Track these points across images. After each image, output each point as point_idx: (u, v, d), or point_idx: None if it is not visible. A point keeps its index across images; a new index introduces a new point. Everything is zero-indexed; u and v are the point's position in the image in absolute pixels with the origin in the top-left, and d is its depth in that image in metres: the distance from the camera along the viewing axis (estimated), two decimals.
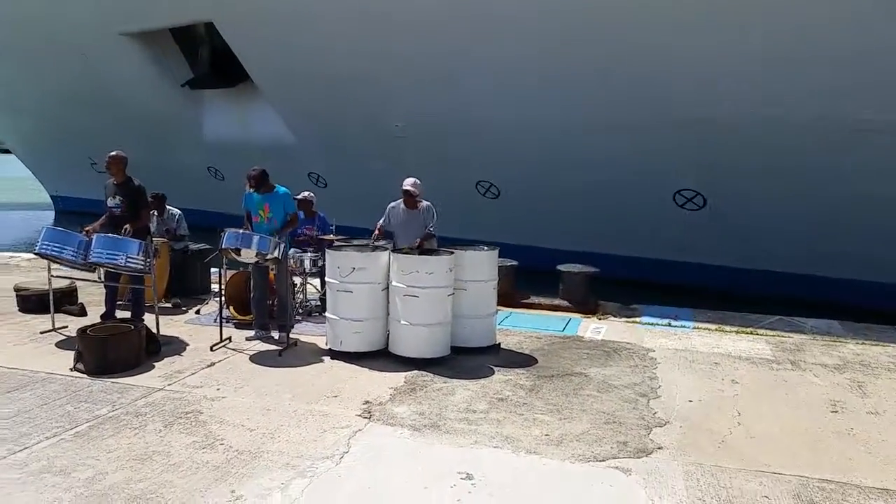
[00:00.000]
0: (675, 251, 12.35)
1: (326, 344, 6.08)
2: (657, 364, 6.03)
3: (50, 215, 23.53)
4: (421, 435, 4.38)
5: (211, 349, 6.01)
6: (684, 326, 7.31)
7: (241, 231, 6.00)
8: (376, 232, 6.37)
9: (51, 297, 6.50)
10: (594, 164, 11.97)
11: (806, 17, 9.02)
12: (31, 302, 7.04)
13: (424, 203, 6.41)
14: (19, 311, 7.11)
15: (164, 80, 16.99)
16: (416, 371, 5.59)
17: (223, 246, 5.89)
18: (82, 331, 5.47)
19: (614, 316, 7.67)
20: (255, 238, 5.89)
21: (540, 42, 10.91)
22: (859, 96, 9.35)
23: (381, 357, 5.89)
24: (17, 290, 7.21)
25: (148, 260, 6.02)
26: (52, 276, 6.48)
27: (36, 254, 6.19)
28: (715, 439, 4.45)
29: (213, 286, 8.24)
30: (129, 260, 5.92)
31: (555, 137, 12.02)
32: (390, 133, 13.93)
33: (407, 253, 5.95)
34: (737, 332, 7.17)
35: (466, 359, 5.95)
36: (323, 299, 7.35)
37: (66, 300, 7.06)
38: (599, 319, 7.52)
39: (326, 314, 6.01)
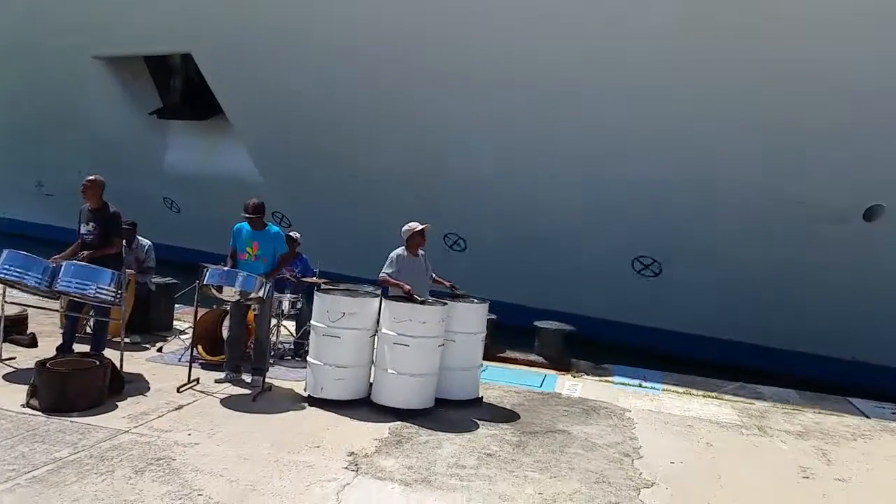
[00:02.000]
0: (638, 315, 12.54)
1: (305, 390, 5.83)
2: (634, 424, 6.02)
3: None
4: (413, 490, 4.19)
5: (178, 390, 5.67)
6: (654, 388, 7.36)
7: (225, 268, 5.77)
8: (401, 284, 6.00)
9: (0, 326, 6.04)
10: (558, 220, 12.13)
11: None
12: None
13: (420, 250, 6.31)
14: None
15: (133, 106, 16.61)
16: (399, 422, 5.40)
17: (205, 283, 5.63)
18: (41, 363, 5.09)
19: (588, 374, 7.66)
20: (241, 276, 5.66)
21: (516, 95, 11.07)
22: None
23: (362, 406, 5.67)
24: None
25: (119, 292, 5.70)
26: (4, 302, 6.05)
27: None
28: (702, 501, 4.45)
29: (175, 323, 7.88)
30: (99, 290, 5.59)
31: (522, 191, 12.14)
32: (360, 178, 13.84)
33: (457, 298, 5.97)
34: (703, 396, 7.27)
35: (449, 411, 5.79)
36: (298, 343, 7.11)
37: (16, 329, 6.60)
38: (574, 377, 7.49)
39: (309, 359, 5.78)
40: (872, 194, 9.78)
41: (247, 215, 6.01)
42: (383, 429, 5.23)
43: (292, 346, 7.21)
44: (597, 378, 7.54)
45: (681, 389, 7.37)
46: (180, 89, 16.47)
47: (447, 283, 6.34)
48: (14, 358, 6.08)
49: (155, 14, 13.89)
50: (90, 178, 6.13)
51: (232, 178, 15.62)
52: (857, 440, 6.17)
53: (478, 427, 5.50)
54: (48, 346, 6.47)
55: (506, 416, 5.90)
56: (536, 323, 7.94)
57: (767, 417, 6.68)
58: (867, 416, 7.00)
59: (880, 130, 9.16)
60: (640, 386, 7.35)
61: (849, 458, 5.63)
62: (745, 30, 9.06)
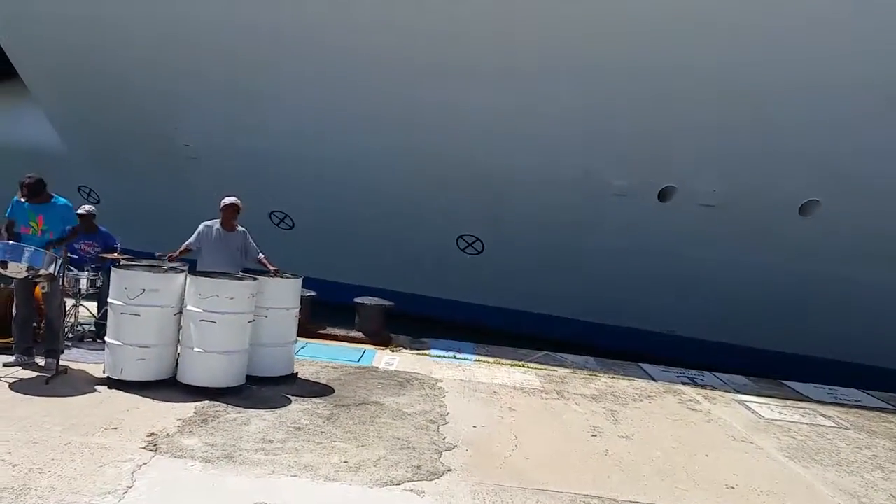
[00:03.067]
0: (458, 291, 13.14)
1: (104, 372, 5.57)
2: (445, 393, 6.41)
3: None
4: (214, 467, 4.21)
5: None
6: (467, 359, 7.84)
7: (10, 242, 5.34)
8: (178, 252, 5.96)
9: None
10: (384, 200, 12.36)
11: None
12: None
13: (241, 227, 6.22)
14: None
15: None
16: (207, 401, 5.34)
17: None
18: None
19: (406, 348, 7.99)
20: (28, 252, 5.27)
21: (336, 69, 11.04)
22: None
23: (167, 387, 5.53)
24: None
25: None
26: None
27: None
28: (497, 461, 4.85)
29: None
30: None
31: (346, 170, 12.20)
32: (179, 152, 13.18)
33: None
34: (511, 365, 7.87)
35: (262, 388, 5.82)
36: (99, 324, 6.74)
37: None
38: (392, 351, 7.78)
39: (106, 339, 5.53)
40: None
41: (25, 199, 5.59)
42: (188, 408, 5.16)
43: (93, 328, 6.81)
44: (414, 351, 7.88)
45: (491, 359, 7.92)
46: None
47: (272, 268, 6.31)
48: None
49: None
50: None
51: (32, 149, 14.18)
52: (643, 401, 6.97)
53: (290, 402, 5.59)
54: None
55: (320, 390, 6.04)
56: (356, 299, 8.11)
57: (566, 382, 7.36)
58: (654, 380, 7.92)
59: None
60: (455, 357, 7.79)
61: (634, 417, 6.34)
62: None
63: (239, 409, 5.29)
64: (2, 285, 6.15)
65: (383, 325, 8.07)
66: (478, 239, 12.70)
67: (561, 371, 7.88)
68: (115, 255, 6.66)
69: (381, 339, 7.98)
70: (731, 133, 9.92)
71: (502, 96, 10.41)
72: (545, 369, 7.90)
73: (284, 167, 12.52)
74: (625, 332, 12.11)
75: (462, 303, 13.11)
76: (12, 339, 5.87)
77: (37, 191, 5.58)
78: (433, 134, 11.14)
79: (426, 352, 7.95)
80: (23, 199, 5.61)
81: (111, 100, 12.82)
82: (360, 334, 7.96)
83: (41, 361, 5.75)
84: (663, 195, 10.96)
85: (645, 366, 8.52)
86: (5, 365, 5.65)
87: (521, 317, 12.52)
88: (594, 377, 7.78)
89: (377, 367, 7.05)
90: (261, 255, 6.45)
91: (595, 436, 5.70)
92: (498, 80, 10.31)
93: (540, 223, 11.79)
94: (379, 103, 11.08)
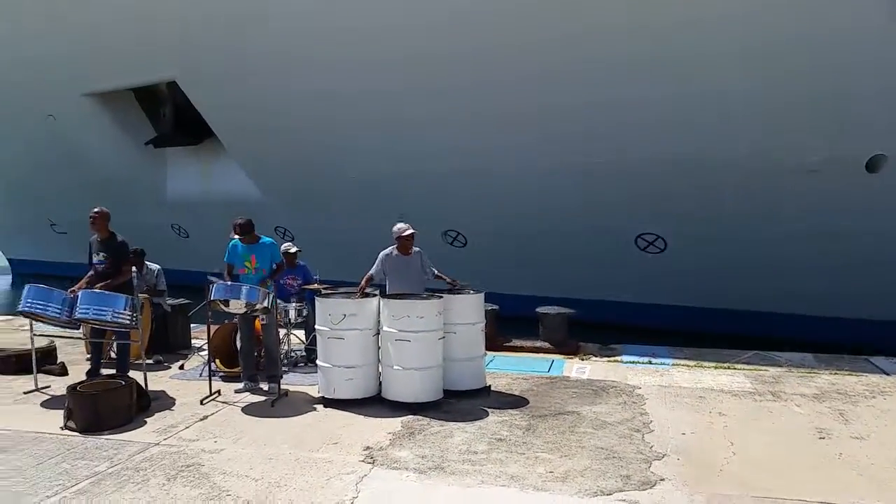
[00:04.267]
0: (642, 294, 12.69)
1: (319, 392, 6.07)
2: (645, 400, 6.18)
3: (7, 279, 22.85)
4: (427, 477, 4.40)
5: (201, 402, 5.94)
6: (664, 364, 7.51)
7: (229, 283, 6.03)
8: (363, 282, 6.39)
9: (33, 357, 6.35)
10: (557, 210, 12.30)
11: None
12: (10, 363, 6.86)
13: (415, 248, 6.55)
14: None
15: (127, 139, 16.99)
16: (410, 416, 5.62)
17: (212, 297, 5.89)
18: (72, 388, 5.37)
19: (596, 356, 7.84)
20: (245, 289, 5.91)
21: (501, 88, 11.24)
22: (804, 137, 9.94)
23: (374, 403, 5.90)
24: None
25: (135, 315, 5.97)
26: (33, 334, 6.35)
27: (20, 312, 6.07)
28: (713, 469, 4.57)
29: (193, 341, 8.15)
30: (115, 315, 5.88)
31: (515, 183, 12.31)
32: (354, 184, 14.07)
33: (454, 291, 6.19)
34: (715, 368, 7.38)
35: (459, 402, 6.01)
36: (309, 349, 7.36)
37: (46, 360, 6.90)
38: (582, 360, 7.67)
39: (318, 362, 6.03)
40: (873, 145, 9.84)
41: (238, 236, 6.27)
42: (395, 423, 5.45)
43: (304, 353, 7.45)
44: (605, 359, 7.72)
45: (691, 363, 7.51)
46: (172, 117, 16.76)
47: (447, 279, 6.55)
48: (49, 386, 6.39)
49: (136, 45, 14.15)
50: (96, 210, 6.43)
51: (233, 197, 15.89)
52: (876, 398, 6.24)
53: (487, 414, 5.70)
54: (78, 373, 6.79)
55: (514, 402, 6.10)
56: (539, 309, 8.11)
57: (782, 382, 6.77)
58: (886, 374, 7.05)
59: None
60: (650, 363, 7.51)
61: (867, 416, 5.68)
62: None
63: (441, 422, 5.49)
64: (226, 321, 6.93)
65: (568, 334, 8.00)
66: (659, 237, 12.21)
67: (774, 370, 7.26)
68: (316, 285, 7.24)
69: (568, 348, 7.91)
70: None
71: (682, 86, 10.02)
72: (755, 369, 7.33)
73: (453, 187, 12.91)
74: (847, 324, 10.96)
75: (646, 305, 12.65)
76: (239, 368, 6.58)
77: (248, 229, 6.24)
78: (609, 129, 10.92)
79: (618, 358, 7.75)
80: (235, 237, 6.28)
81: (293, 145, 14.04)
82: (546, 344, 7.95)
83: (265, 386, 6.37)
84: (872, 165, 9.87)
85: (874, 359, 7.61)
86: (236, 391, 6.34)
87: (716, 315, 11.80)
88: (813, 375, 7.09)
89: (569, 377, 6.99)
90: (434, 270, 6.65)
91: (822, 438, 5.19)
92: (680, 69, 9.95)
93: (726, 212, 11.11)
94: (546, 105, 11.06)
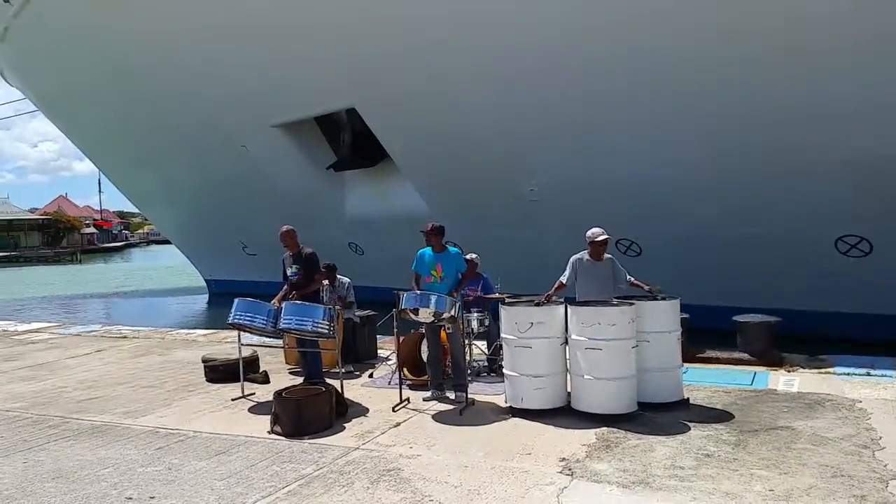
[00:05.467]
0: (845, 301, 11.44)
1: (506, 401, 6.00)
2: (869, 415, 5.50)
3: (204, 298, 25.38)
4: (632, 492, 4.15)
5: (393, 409, 6.10)
6: (886, 375, 6.65)
7: (418, 292, 6.16)
8: (553, 289, 6.25)
9: (241, 366, 6.88)
10: (746, 215, 11.48)
11: None
12: (219, 372, 7.48)
13: (607, 254, 6.33)
14: (207, 381, 7.56)
15: (311, 164, 18.22)
16: (605, 428, 5.37)
17: (402, 307, 6.04)
18: (278, 394, 5.72)
19: (803, 367, 7.11)
20: (433, 297, 6.00)
21: (676, 89, 10.76)
22: None
23: (563, 414, 5.72)
24: (204, 361, 7.71)
25: (332, 324, 6.27)
26: (240, 345, 6.89)
27: (230, 324, 6.59)
28: None
29: (379, 351, 8.46)
30: (315, 325, 6.20)
31: (697, 188, 11.66)
32: (524, 197, 14.08)
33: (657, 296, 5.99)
34: None
35: (655, 415, 5.66)
36: (491, 359, 7.35)
37: (250, 369, 7.45)
38: (788, 371, 6.98)
39: (505, 371, 5.97)
40: None
41: (429, 236, 6.37)
42: (589, 434, 5.23)
43: (486, 363, 7.43)
44: (815, 371, 6.97)
45: None
46: (350, 142, 17.80)
47: (646, 287, 6.25)
48: (254, 393, 6.87)
49: (319, 77, 15.16)
50: (284, 228, 6.92)
51: (405, 216, 16.54)
52: None
53: (689, 428, 5.32)
54: (279, 381, 7.28)
55: (717, 416, 5.65)
56: (737, 318, 7.50)
57: None
58: None
59: None
60: (868, 374, 6.69)
61: None
62: None
63: (639, 435, 5.20)
64: (412, 331, 7.10)
65: (771, 344, 7.32)
66: (863, 239, 10.97)
67: None
68: (498, 295, 7.22)
69: (770, 359, 7.24)
70: None
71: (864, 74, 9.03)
72: None
73: (623, 196, 12.49)
74: None
75: (850, 314, 11.38)
76: (426, 376, 6.69)
77: (440, 233, 6.37)
78: (792, 127, 10.08)
79: (829, 370, 6.97)
80: (427, 248, 6.42)
81: (464, 162, 14.35)
82: (745, 355, 7.33)
83: (451, 395, 6.42)
84: None
85: None
86: (424, 399, 6.44)
87: None
88: None
89: (776, 390, 6.37)
90: (630, 278, 6.39)
91: None
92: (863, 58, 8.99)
93: None
94: (726, 103, 10.43)
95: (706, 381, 6.68)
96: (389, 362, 7.57)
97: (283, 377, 7.59)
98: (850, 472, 4.31)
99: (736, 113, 10.58)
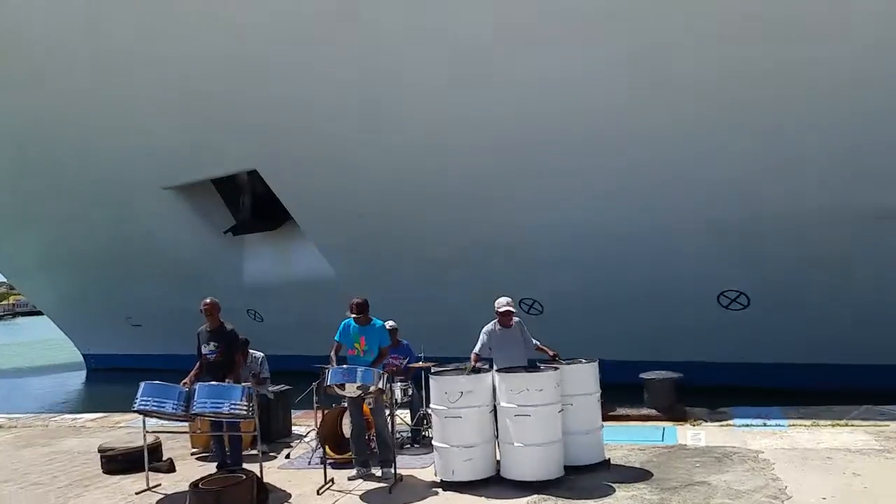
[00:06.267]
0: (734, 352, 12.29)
1: (436, 475, 5.94)
2: (772, 465, 5.89)
3: (82, 374, 23.49)
4: None
5: (318, 493, 5.86)
6: (780, 425, 7.19)
7: (344, 367, 6.05)
8: (473, 360, 6.34)
9: (146, 455, 6.41)
10: (638, 271, 12.16)
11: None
12: (118, 462, 6.93)
13: (515, 319, 6.51)
14: (104, 472, 6.97)
15: (206, 228, 17.53)
16: (536, 495, 5.43)
17: (329, 383, 5.92)
18: (194, 485, 5.37)
19: (706, 420, 7.53)
20: (360, 371, 5.92)
21: (580, 152, 11.33)
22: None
23: (493, 483, 5.73)
24: (102, 451, 7.11)
25: (251, 404, 6.00)
26: (146, 431, 6.44)
27: (135, 410, 6.16)
28: None
29: (294, 428, 8.14)
30: (232, 406, 5.91)
31: (595, 246, 12.23)
32: (431, 259, 14.19)
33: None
34: (833, 426, 7.05)
35: (580, 478, 5.79)
36: (415, 430, 7.27)
37: (153, 457, 6.95)
38: (693, 425, 7.38)
39: (435, 443, 5.93)
40: None
41: (353, 315, 6.32)
42: None
43: (409, 434, 7.34)
44: (717, 423, 7.40)
45: (807, 422, 7.18)
46: (250, 204, 17.37)
47: (550, 353, 6.45)
48: (160, 484, 6.39)
49: (219, 139, 14.75)
50: (208, 300, 6.62)
51: (308, 280, 16.24)
52: None
53: (614, 490, 5.47)
54: (185, 469, 6.83)
55: (637, 475, 5.85)
56: (643, 375, 7.88)
57: None
58: None
59: None
60: (765, 425, 7.18)
61: None
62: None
63: (571, 501, 5.30)
64: (333, 405, 6.92)
65: (676, 399, 7.73)
66: (741, 293, 11.91)
67: (894, 425, 6.88)
68: (422, 364, 7.20)
69: (675, 414, 7.63)
70: None
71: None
72: (874, 425, 6.95)
73: (530, 254, 12.91)
74: None
75: (743, 364, 12.22)
76: (349, 454, 6.51)
77: (364, 308, 6.31)
78: (679, 188, 10.88)
79: (730, 422, 7.42)
80: (350, 316, 6.33)
81: (370, 225, 14.33)
82: (653, 411, 7.68)
83: (378, 472, 6.27)
84: None
85: None
86: (349, 479, 6.24)
87: (816, 370, 11.31)
88: None
89: (685, 444, 6.70)
90: (536, 342, 6.59)
91: None
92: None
93: (803, 263, 10.84)
94: (630, 162, 11.07)
95: (621, 439, 6.91)
96: (308, 440, 7.31)
97: (189, 464, 7.13)
98: None
99: (621, 176, 11.24)
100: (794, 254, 10.91)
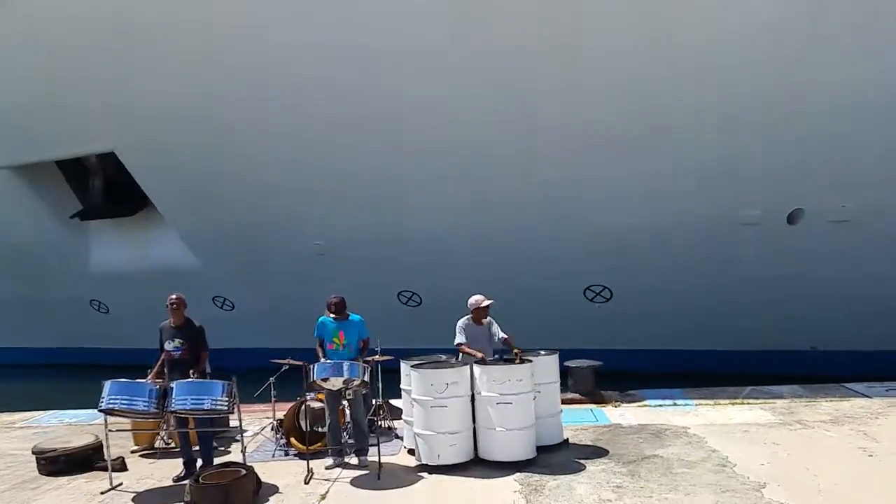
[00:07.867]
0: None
1: (418, 460, 6.24)
2: (703, 439, 6.77)
3: None
4: None
5: (305, 482, 5.93)
6: (689, 404, 8.23)
7: (330, 362, 6.14)
8: (475, 352, 6.57)
9: (107, 453, 6.06)
10: (512, 269, 12.95)
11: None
12: (59, 464, 6.40)
13: (487, 317, 6.93)
14: (43, 475, 6.41)
15: (50, 212, 15.86)
16: (518, 473, 5.93)
17: (314, 378, 6.00)
18: (195, 480, 5.23)
19: (623, 403, 8.46)
20: (346, 365, 6.05)
21: (462, 148, 11.74)
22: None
23: (475, 465, 6.15)
24: (39, 452, 6.51)
25: (231, 400, 5.88)
26: (108, 431, 6.03)
27: (101, 410, 5.76)
28: (812, 491, 5.28)
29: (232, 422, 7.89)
30: (213, 402, 5.76)
31: (473, 243, 12.82)
32: (308, 252, 13.95)
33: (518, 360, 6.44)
34: (732, 404, 8.17)
35: (549, 456, 6.37)
36: (370, 420, 7.42)
37: (97, 456, 6.51)
38: (615, 406, 8.28)
39: (417, 430, 6.20)
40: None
41: (333, 315, 6.42)
42: (510, 482, 5.75)
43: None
44: (634, 404, 8.37)
45: (710, 401, 8.32)
46: (101, 189, 15.94)
47: (516, 350, 6.80)
48: (121, 483, 6.05)
49: (71, 118, 13.48)
50: (174, 297, 6.33)
51: (166, 268, 15.21)
52: (879, 418, 7.24)
53: (584, 466, 6.11)
54: (136, 468, 6.54)
55: (595, 451, 6.55)
56: (568, 363, 8.62)
57: (795, 413, 7.62)
58: (869, 397, 8.17)
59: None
60: (675, 404, 8.24)
61: (886, 434, 6.59)
62: None
63: (551, 476, 5.85)
64: (298, 398, 6.90)
65: (595, 384, 8.62)
66: (605, 287, 13.18)
67: (780, 402, 8.15)
68: (379, 357, 7.33)
69: (595, 397, 8.52)
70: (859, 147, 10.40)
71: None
72: (766, 402, 8.15)
73: (412, 248, 13.22)
74: (774, 356, 12.32)
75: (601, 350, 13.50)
76: (318, 444, 6.57)
77: (342, 307, 6.39)
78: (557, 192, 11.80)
79: (644, 402, 8.42)
80: (330, 316, 6.41)
81: (240, 213, 13.76)
82: (576, 395, 8.50)
83: (353, 460, 6.43)
84: (792, 218, 11.41)
85: (849, 385, 8.75)
86: (327, 468, 6.34)
87: (676, 356, 12.86)
88: (814, 403, 8.03)
89: (621, 424, 7.54)
90: (505, 336, 7.07)
91: (871, 456, 6.07)
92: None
93: (670, 268, 12.31)
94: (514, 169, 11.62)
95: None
96: (265, 433, 7.20)
97: (137, 462, 6.75)
98: (730, 487, 5.43)
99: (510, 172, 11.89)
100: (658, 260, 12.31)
